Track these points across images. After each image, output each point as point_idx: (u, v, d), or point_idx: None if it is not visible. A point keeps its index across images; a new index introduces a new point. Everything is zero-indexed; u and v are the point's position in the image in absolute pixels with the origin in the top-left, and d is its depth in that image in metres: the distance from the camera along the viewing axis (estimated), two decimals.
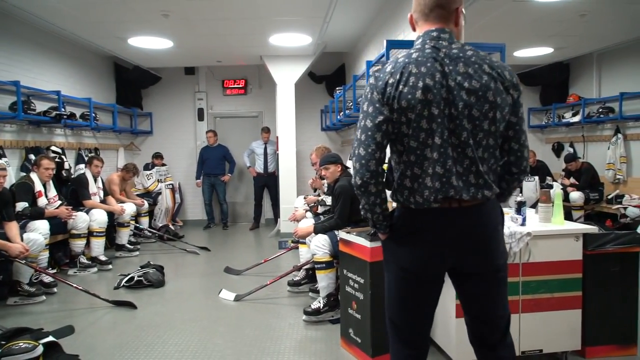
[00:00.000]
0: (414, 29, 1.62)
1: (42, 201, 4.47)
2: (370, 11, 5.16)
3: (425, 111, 1.46)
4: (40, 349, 2.50)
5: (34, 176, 4.49)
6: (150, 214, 6.81)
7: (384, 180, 1.61)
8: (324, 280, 3.39)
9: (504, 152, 1.60)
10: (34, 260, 3.90)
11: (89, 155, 5.96)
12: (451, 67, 1.46)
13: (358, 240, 2.75)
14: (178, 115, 8.12)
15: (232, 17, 5.05)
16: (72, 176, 5.53)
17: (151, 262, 4.60)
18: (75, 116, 5.65)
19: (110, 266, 5.02)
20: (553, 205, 2.76)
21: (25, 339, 2.53)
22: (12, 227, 3.78)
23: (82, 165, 5.79)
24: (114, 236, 5.72)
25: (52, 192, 4.68)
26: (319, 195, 4.82)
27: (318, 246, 3.40)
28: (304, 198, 4.83)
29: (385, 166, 1.59)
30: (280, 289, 4.13)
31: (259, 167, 7.53)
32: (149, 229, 6.46)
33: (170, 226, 6.96)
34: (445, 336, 2.62)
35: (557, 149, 7.64)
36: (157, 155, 7.54)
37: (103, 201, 5.48)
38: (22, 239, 3.75)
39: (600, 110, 6.56)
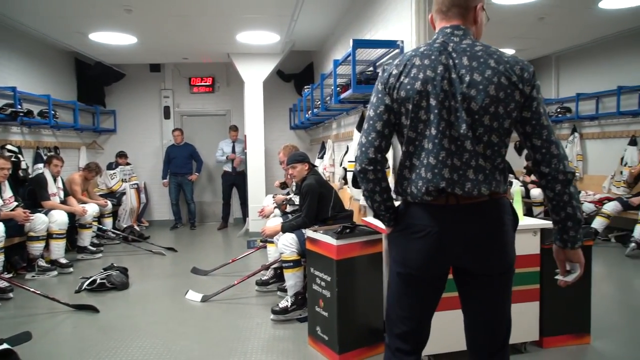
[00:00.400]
0: (434, 29, 1.59)
1: None
2: (338, 10, 5.19)
3: (423, 102, 1.45)
4: None
5: None
6: (114, 214, 6.62)
7: (384, 169, 1.58)
8: (292, 279, 3.39)
9: (530, 151, 1.50)
10: None
11: (48, 154, 5.74)
12: (457, 61, 1.45)
13: (324, 239, 2.76)
14: (143, 113, 7.92)
15: (197, 14, 4.97)
16: (30, 176, 5.31)
17: (115, 264, 4.48)
18: (32, 114, 5.43)
19: (71, 269, 4.84)
20: (513, 202, 2.85)
21: None
22: None
23: (40, 165, 5.57)
24: (75, 238, 5.53)
25: (8, 193, 4.48)
26: (288, 194, 4.82)
27: (285, 245, 3.39)
28: (273, 197, 4.81)
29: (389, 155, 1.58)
30: (248, 289, 4.10)
31: (227, 166, 7.44)
32: (112, 230, 6.29)
33: (136, 227, 6.79)
34: None
35: (519, 148, 7.90)
36: (121, 154, 7.34)
37: (64, 202, 5.29)
38: None
39: (559, 110, 6.84)
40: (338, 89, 4.09)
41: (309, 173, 3.72)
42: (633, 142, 5.85)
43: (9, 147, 5.17)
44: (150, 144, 7.96)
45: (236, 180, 7.47)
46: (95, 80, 7.37)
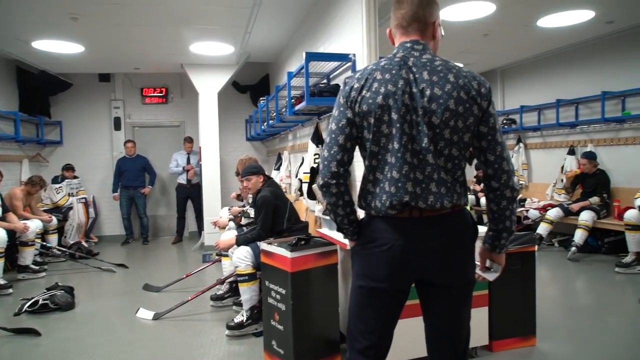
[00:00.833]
0: (393, 43, 1.62)
1: None
2: (292, 23, 5.23)
3: (385, 116, 1.47)
4: None
5: None
6: (60, 230, 6.28)
7: (346, 182, 1.59)
8: (247, 293, 3.34)
9: (482, 165, 1.57)
10: None
11: None
12: (417, 75, 1.47)
13: (279, 251, 2.74)
14: (92, 124, 7.60)
15: (147, 24, 4.86)
16: None
17: (59, 283, 4.24)
18: None
19: (10, 290, 4.54)
20: None
21: None
22: None
23: None
24: (16, 257, 5.19)
25: None
26: (244, 206, 4.76)
27: (240, 258, 3.34)
28: (229, 209, 4.73)
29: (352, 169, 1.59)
30: (202, 304, 3.99)
31: (182, 179, 7.27)
32: (58, 247, 5.95)
33: (84, 243, 6.47)
34: None
35: (470, 157, 8.19)
36: (68, 167, 6.99)
37: (2, 218, 4.97)
38: None
39: (505, 121, 7.18)
40: (292, 100, 4.11)
41: (264, 185, 3.70)
42: (571, 152, 6.22)
43: None
44: (99, 156, 7.64)
45: (191, 193, 7.29)
46: (39, 90, 7.01)
